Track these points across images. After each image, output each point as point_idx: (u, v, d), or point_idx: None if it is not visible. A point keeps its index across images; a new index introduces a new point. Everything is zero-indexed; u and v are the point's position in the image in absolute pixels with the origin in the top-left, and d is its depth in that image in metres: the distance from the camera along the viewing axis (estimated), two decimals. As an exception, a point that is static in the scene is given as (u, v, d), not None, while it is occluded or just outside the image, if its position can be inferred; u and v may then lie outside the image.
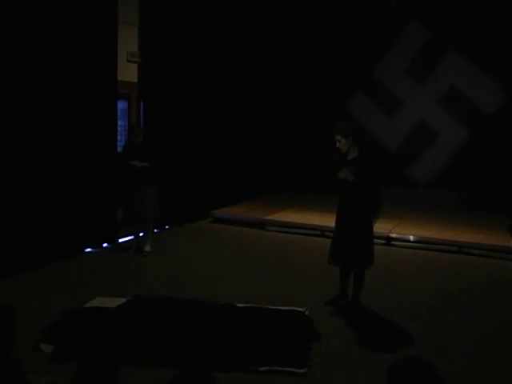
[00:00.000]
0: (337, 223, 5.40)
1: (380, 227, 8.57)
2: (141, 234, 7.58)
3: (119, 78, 7.78)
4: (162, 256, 7.45)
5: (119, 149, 7.85)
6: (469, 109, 12.89)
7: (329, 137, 5.24)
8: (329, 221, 9.03)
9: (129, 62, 8.26)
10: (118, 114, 7.96)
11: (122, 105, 8.29)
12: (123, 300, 5.29)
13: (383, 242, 8.22)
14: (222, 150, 10.36)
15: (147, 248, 7.45)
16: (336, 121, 5.29)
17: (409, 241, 8.27)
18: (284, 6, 11.85)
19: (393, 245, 8.26)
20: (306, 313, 5.21)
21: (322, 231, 8.38)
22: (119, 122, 8.08)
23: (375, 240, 8.22)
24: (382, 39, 13.48)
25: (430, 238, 8.19)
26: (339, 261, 5.38)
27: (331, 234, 8.43)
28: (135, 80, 8.46)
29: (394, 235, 8.36)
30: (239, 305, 5.32)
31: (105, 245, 7.72)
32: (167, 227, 8.99)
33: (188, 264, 7.06)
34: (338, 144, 5.17)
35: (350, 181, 5.00)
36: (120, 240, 7.99)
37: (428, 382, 1.90)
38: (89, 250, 7.46)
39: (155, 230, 8.28)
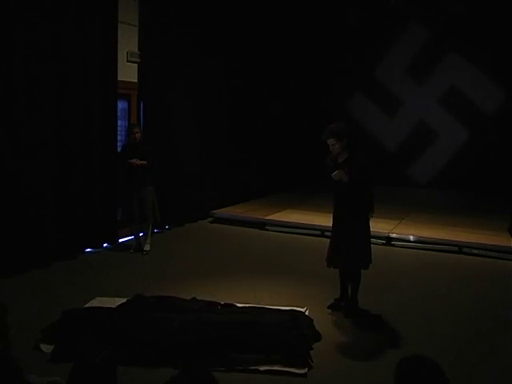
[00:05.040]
0: (334, 225, 5.39)
1: (380, 227, 8.61)
2: (141, 234, 7.59)
3: (119, 78, 7.78)
4: (162, 256, 7.45)
5: (119, 149, 7.85)
6: (469, 109, 12.91)
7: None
8: (329, 221, 8.97)
9: (129, 62, 8.26)
10: (118, 113, 7.96)
11: (122, 105, 8.29)
12: (123, 300, 5.29)
13: (383, 242, 8.23)
14: (223, 150, 10.36)
15: (146, 247, 7.47)
16: (333, 122, 5.25)
17: (409, 241, 8.26)
18: (284, 7, 11.84)
19: (393, 245, 8.26)
20: (306, 313, 5.21)
21: (322, 231, 8.37)
22: (119, 122, 8.07)
23: (375, 240, 8.28)
24: (382, 39, 13.50)
25: (430, 237, 8.18)
26: (338, 263, 5.37)
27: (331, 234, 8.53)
28: (135, 80, 8.47)
29: (393, 235, 8.36)
30: (239, 305, 5.33)
31: (105, 245, 7.72)
32: (167, 227, 8.99)
33: (188, 264, 7.06)
34: (331, 147, 5.10)
35: (344, 182, 4.98)
36: (120, 240, 7.99)
37: (435, 381, 1.91)
38: (89, 249, 7.46)
39: (155, 230, 8.29)
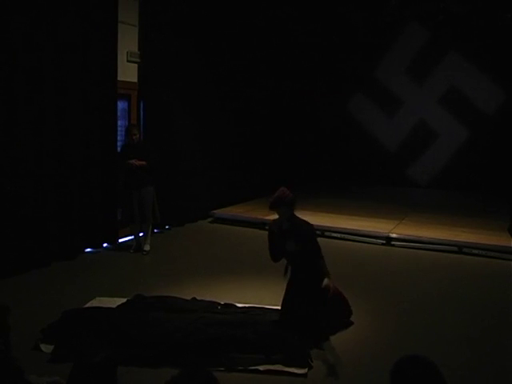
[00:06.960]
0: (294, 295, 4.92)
1: (380, 227, 8.62)
2: (141, 234, 7.59)
3: (119, 78, 7.79)
4: (162, 256, 7.45)
5: (119, 149, 7.85)
6: (469, 109, 12.91)
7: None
8: (328, 221, 9.08)
9: (129, 62, 8.26)
10: (118, 113, 7.96)
11: (122, 105, 8.29)
12: (123, 300, 5.30)
13: (383, 242, 8.23)
14: (222, 150, 10.36)
15: (146, 247, 7.47)
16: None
17: (409, 241, 8.26)
18: (285, 7, 11.84)
19: (393, 245, 8.25)
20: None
21: (321, 231, 8.36)
22: (119, 122, 8.07)
23: (375, 240, 8.27)
24: (382, 39, 13.50)
25: (430, 237, 8.18)
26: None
27: (331, 234, 8.50)
28: (135, 80, 8.47)
29: (393, 235, 8.35)
30: (239, 305, 5.33)
31: (105, 245, 7.72)
32: (167, 227, 8.99)
33: (188, 264, 7.06)
34: (281, 215, 4.80)
35: (295, 250, 4.74)
36: (120, 240, 7.99)
37: (431, 381, 1.91)
38: (89, 249, 7.46)
39: (155, 230, 8.29)
